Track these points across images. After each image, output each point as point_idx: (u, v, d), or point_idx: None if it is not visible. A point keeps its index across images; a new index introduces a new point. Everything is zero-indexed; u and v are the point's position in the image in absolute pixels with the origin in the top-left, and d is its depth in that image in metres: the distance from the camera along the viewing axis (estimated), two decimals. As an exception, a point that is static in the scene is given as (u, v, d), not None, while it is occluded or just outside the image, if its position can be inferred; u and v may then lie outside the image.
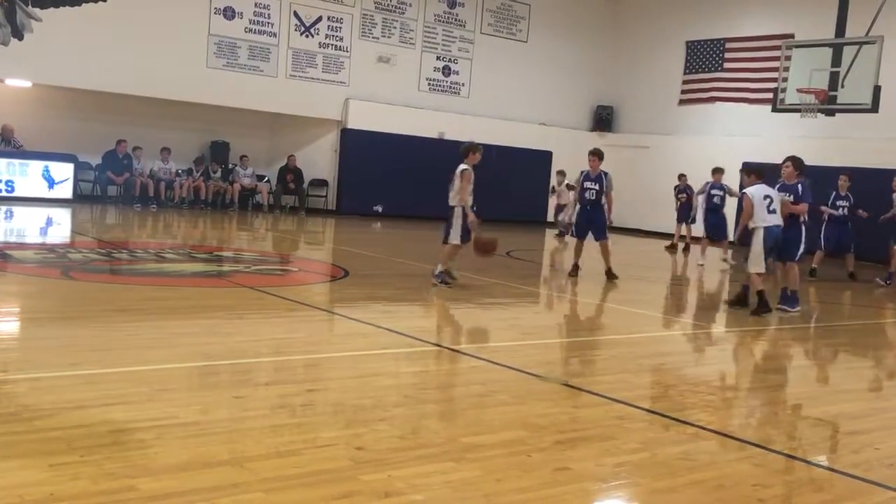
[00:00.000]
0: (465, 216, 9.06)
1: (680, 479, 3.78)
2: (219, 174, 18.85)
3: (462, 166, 9.14)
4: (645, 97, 22.89)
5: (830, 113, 16.60)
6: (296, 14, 19.18)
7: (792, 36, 18.43)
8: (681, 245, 17.75)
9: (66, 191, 16.77)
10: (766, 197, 9.04)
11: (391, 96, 20.26)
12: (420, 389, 5.14)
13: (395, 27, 20.51)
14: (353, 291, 8.98)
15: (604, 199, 11.08)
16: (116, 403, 4.19)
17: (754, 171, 9.48)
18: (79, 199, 17.07)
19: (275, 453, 3.65)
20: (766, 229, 8.99)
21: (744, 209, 9.14)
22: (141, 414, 4.03)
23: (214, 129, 19.36)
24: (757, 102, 19.93)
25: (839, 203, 13.71)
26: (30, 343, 5.76)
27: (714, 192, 15.22)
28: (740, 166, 18.29)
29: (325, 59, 19.60)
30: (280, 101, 18.96)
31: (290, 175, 19.54)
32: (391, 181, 19.84)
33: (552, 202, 20.17)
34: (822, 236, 13.68)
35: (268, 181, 19.79)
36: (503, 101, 21.85)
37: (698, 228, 18.14)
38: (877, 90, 15.26)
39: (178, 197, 18.14)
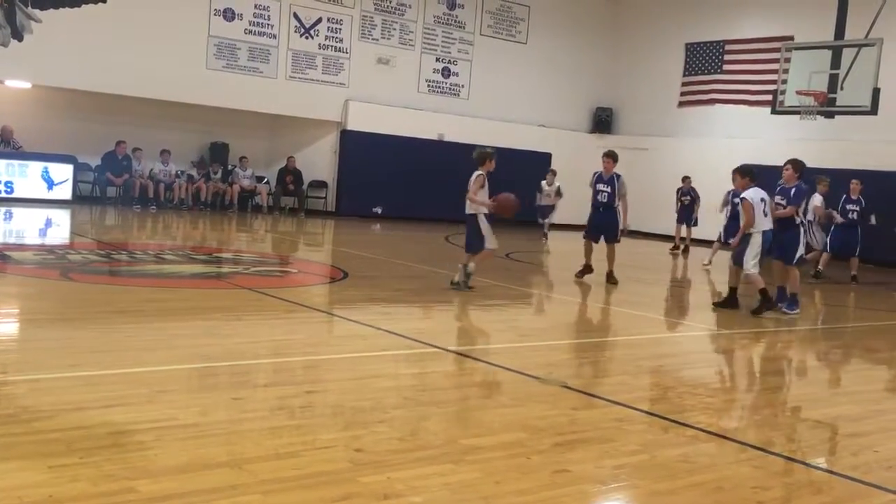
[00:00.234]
0: (486, 220, 8.96)
1: (679, 482, 3.78)
2: (219, 175, 18.85)
3: (477, 172, 9.00)
4: (644, 99, 22.90)
5: (830, 115, 16.62)
6: (295, 15, 19.18)
7: (791, 38, 18.46)
8: (682, 246, 17.75)
9: (65, 192, 16.77)
10: (761, 200, 9.11)
11: (391, 98, 20.27)
12: (419, 391, 5.14)
13: (394, 29, 20.52)
14: (353, 293, 8.98)
15: (617, 203, 10.88)
16: (115, 405, 4.19)
17: (748, 173, 9.44)
18: (78, 200, 17.07)
19: (274, 455, 3.64)
20: (763, 233, 9.05)
21: (745, 213, 9.08)
22: (140, 416, 4.03)
23: (214, 130, 19.36)
24: (756, 104, 19.94)
25: (849, 207, 13.71)
26: (29, 344, 5.75)
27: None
28: (733, 169, 18.38)
29: (324, 60, 19.60)
30: (280, 102, 18.96)
31: (290, 176, 19.54)
32: (391, 183, 19.85)
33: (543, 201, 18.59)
34: (828, 238, 13.72)
35: (267, 182, 19.79)
36: (502, 102, 21.86)
37: (700, 231, 18.23)
38: (876, 92, 15.28)
39: (178, 198, 18.14)
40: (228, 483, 3.28)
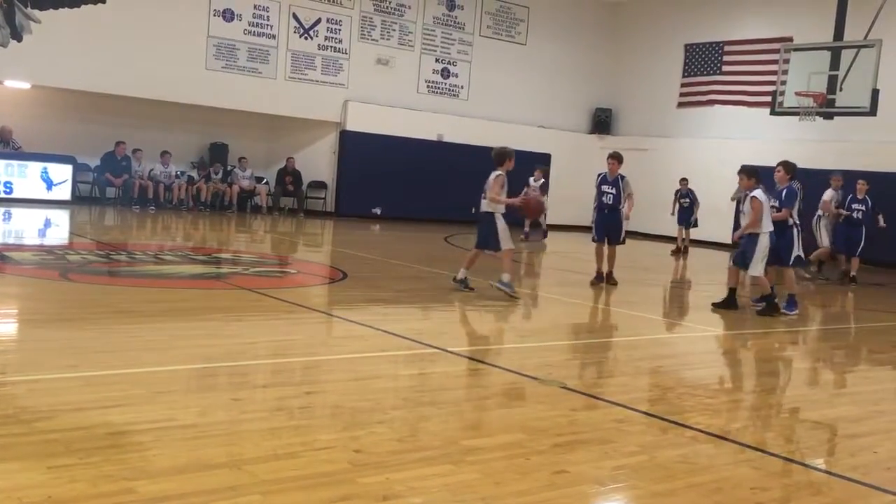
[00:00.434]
0: (503, 220, 8.91)
1: (678, 482, 3.78)
2: (220, 175, 18.85)
3: (497, 172, 8.93)
4: (644, 100, 22.91)
5: (829, 116, 16.63)
6: (295, 16, 19.19)
7: (790, 39, 18.47)
8: (682, 247, 17.75)
9: (64, 192, 16.77)
10: (769, 199, 9.22)
11: (390, 98, 20.28)
12: (418, 392, 5.14)
13: (394, 29, 20.52)
14: (352, 294, 8.98)
15: (623, 204, 10.83)
16: (115, 406, 4.19)
17: (754, 174, 9.45)
18: (77, 200, 17.07)
19: (273, 456, 3.64)
20: (770, 234, 9.12)
21: (753, 212, 9.06)
22: (139, 416, 4.03)
23: (213, 130, 19.36)
24: (755, 105, 19.95)
25: (855, 206, 13.73)
26: (28, 345, 5.75)
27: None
28: (738, 169, 18.39)
29: (324, 61, 19.61)
30: (279, 102, 18.97)
31: (289, 177, 19.54)
32: (390, 183, 19.85)
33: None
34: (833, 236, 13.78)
35: (266, 183, 19.79)
36: (502, 103, 21.87)
37: (699, 232, 18.24)
38: (875, 93, 15.30)
39: (177, 199, 18.13)
40: (228, 484, 3.28)
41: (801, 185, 14.21)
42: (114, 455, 3.49)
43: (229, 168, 19.20)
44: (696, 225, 17.82)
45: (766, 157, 16.72)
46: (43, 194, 16.52)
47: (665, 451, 4.20)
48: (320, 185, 20.27)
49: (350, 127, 19.88)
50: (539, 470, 3.76)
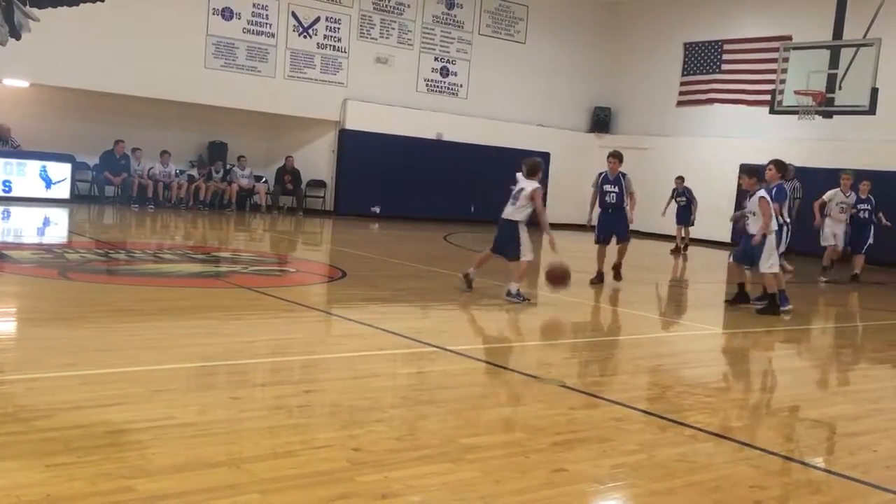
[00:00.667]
0: (527, 230, 8.80)
1: (677, 481, 3.78)
2: (220, 174, 18.85)
3: (534, 184, 8.76)
4: (643, 99, 22.91)
5: (828, 115, 16.63)
6: (294, 15, 19.18)
7: (790, 38, 18.47)
8: (681, 246, 17.74)
9: (63, 191, 16.76)
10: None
11: (389, 97, 20.27)
12: (417, 390, 5.14)
13: (393, 28, 20.51)
14: (351, 292, 8.98)
15: (626, 202, 10.79)
16: (113, 404, 4.18)
17: (755, 173, 9.52)
18: (76, 199, 17.06)
19: (272, 454, 3.64)
20: (776, 232, 9.23)
21: (765, 213, 9.07)
22: (138, 415, 4.03)
23: (212, 129, 19.35)
24: (755, 104, 19.96)
25: (860, 206, 13.72)
26: (27, 343, 5.75)
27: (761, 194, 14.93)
28: (738, 168, 18.39)
29: (323, 59, 19.60)
30: (278, 101, 18.96)
31: (288, 176, 19.54)
32: (389, 182, 19.85)
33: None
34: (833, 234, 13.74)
35: (265, 182, 19.78)
36: (501, 102, 21.86)
37: (697, 230, 18.23)
38: (874, 92, 15.29)
39: (176, 197, 18.13)
40: (226, 482, 3.28)
41: (800, 184, 14.26)
42: (112, 453, 3.49)
43: (228, 167, 19.19)
44: (693, 224, 17.79)
45: (766, 156, 16.59)
46: (42, 193, 16.51)
47: (664, 450, 4.20)
48: (319, 184, 20.27)
49: (349, 126, 19.87)
50: (538, 468, 3.76)
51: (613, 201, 10.81)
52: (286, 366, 5.55)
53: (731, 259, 9.77)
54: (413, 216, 19.76)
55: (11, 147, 16.52)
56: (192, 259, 10.58)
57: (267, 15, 18.79)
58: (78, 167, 17.26)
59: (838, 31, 16.47)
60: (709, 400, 5.49)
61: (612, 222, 10.86)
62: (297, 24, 19.22)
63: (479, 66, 21.80)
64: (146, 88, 17.04)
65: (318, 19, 19.47)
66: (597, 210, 10.98)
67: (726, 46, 21.23)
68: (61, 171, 16.73)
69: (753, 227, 9.25)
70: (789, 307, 9.46)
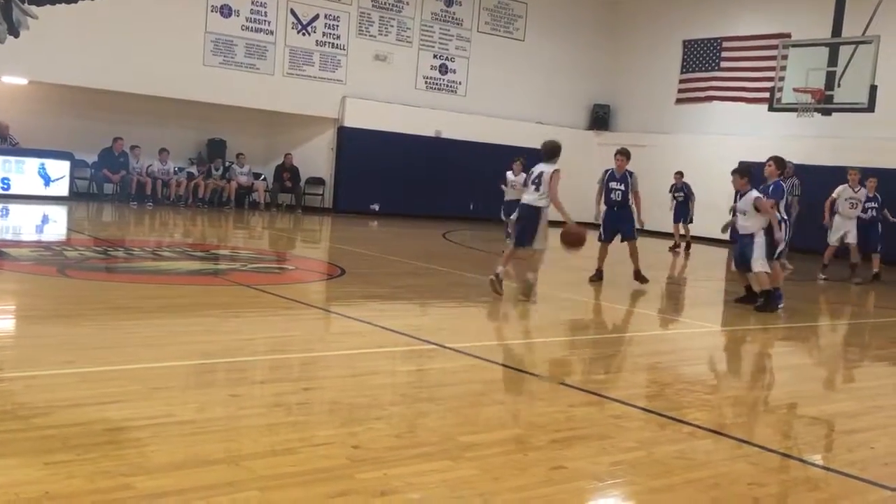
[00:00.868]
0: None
1: (676, 478, 3.78)
2: (220, 171, 18.84)
3: (554, 166, 8.58)
4: (642, 96, 22.90)
5: (827, 112, 16.62)
6: (293, 12, 19.16)
7: (789, 35, 18.46)
8: (682, 244, 17.72)
9: (62, 188, 16.75)
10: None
11: (388, 94, 20.26)
12: (416, 388, 5.14)
13: (392, 25, 20.50)
14: (350, 290, 8.98)
15: (631, 200, 10.71)
16: (112, 402, 4.18)
17: (747, 173, 9.55)
18: (75, 196, 17.04)
19: (271, 452, 3.64)
20: (766, 230, 9.22)
21: (766, 211, 9.13)
22: (137, 412, 4.03)
23: (211, 126, 19.33)
24: (754, 102, 19.95)
25: (867, 205, 13.65)
26: (25, 341, 5.75)
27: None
28: (737, 165, 18.38)
29: (321, 57, 19.58)
30: (277, 99, 18.95)
31: (287, 173, 19.53)
32: (388, 179, 19.85)
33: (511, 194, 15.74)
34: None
35: (264, 179, 19.77)
36: (500, 99, 21.85)
37: (695, 228, 18.23)
38: (873, 90, 15.29)
39: (175, 195, 18.12)
40: (226, 480, 3.28)
41: (799, 182, 14.24)
42: (111, 451, 3.49)
43: (227, 164, 19.18)
44: (692, 221, 17.76)
45: (765, 154, 16.55)
46: (40, 190, 16.49)
47: (663, 447, 4.20)
48: (318, 182, 20.26)
49: (348, 123, 19.86)
50: (537, 466, 3.76)
51: (619, 199, 10.70)
52: (285, 363, 5.55)
53: (734, 268, 9.80)
54: (412, 214, 19.76)
55: (10, 144, 16.51)
56: (191, 256, 10.58)
57: (266, 12, 18.78)
58: (76, 165, 17.24)
59: (837, 29, 16.47)
60: (708, 397, 5.49)
61: (617, 220, 10.77)
62: (295, 22, 19.20)
63: (478, 63, 21.79)
64: (145, 86, 17.03)
65: (316, 16, 19.46)
66: (602, 207, 10.89)
67: (725, 44, 21.22)
68: (60, 169, 16.72)
69: (745, 225, 9.29)
70: (781, 304, 9.47)
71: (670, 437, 4.42)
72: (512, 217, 15.35)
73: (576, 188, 21.17)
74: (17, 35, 8.81)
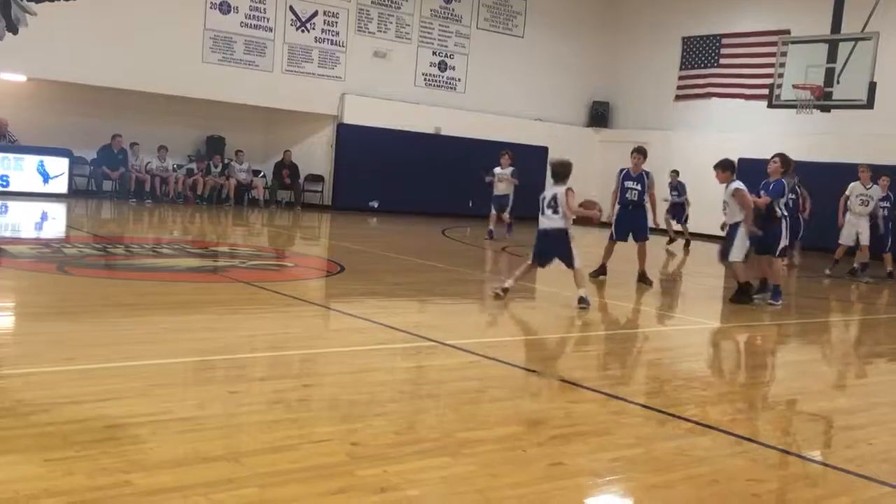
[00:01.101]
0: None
1: (675, 474, 3.79)
2: (219, 168, 18.83)
3: (566, 186, 8.51)
4: (641, 93, 22.90)
5: (826, 109, 16.64)
6: (291, 9, 19.14)
7: (788, 32, 18.45)
8: (678, 240, 17.70)
9: (61, 185, 16.74)
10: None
11: (387, 91, 20.24)
12: (416, 385, 5.14)
13: (391, 22, 20.48)
14: (349, 287, 8.98)
15: (646, 199, 10.61)
16: (111, 398, 4.19)
17: (729, 167, 9.58)
18: (74, 194, 17.04)
19: (270, 448, 3.64)
20: (777, 225, 9.38)
21: (746, 204, 9.19)
22: (136, 409, 4.03)
23: (210, 123, 19.33)
24: (753, 98, 19.95)
25: (881, 203, 13.58)
26: (24, 338, 5.75)
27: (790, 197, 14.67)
28: (737, 162, 18.37)
29: (320, 53, 19.57)
30: (276, 95, 18.93)
31: (286, 170, 19.52)
32: (387, 177, 19.84)
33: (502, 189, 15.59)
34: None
35: (263, 176, 19.77)
36: (499, 96, 21.85)
37: (696, 225, 18.23)
38: (872, 86, 15.28)
39: (174, 192, 18.11)
40: (225, 476, 3.28)
41: (798, 179, 14.23)
42: (111, 448, 3.49)
43: (226, 161, 19.18)
44: (687, 220, 17.69)
45: (764, 150, 16.65)
46: (39, 187, 16.48)
47: (662, 444, 4.21)
48: (317, 179, 20.25)
49: (347, 120, 19.85)
50: (536, 462, 3.76)
51: (635, 199, 10.56)
52: (285, 360, 5.55)
53: (719, 259, 9.93)
54: (411, 210, 19.76)
55: (9, 142, 16.49)
56: (190, 254, 10.58)
57: (265, 9, 18.76)
58: (75, 162, 17.24)
59: (836, 25, 16.47)
60: (707, 394, 5.50)
61: (632, 221, 10.64)
62: (294, 19, 19.19)
63: (478, 60, 21.78)
64: (144, 83, 17.01)
65: (315, 13, 19.44)
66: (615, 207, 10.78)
67: (724, 40, 21.21)
68: (59, 166, 16.71)
69: (729, 217, 9.39)
70: (780, 302, 9.50)
71: (669, 434, 4.42)
72: (501, 211, 15.50)
73: (575, 186, 21.06)
74: (15, 32, 8.78)
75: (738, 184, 9.32)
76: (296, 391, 4.67)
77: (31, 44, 14.63)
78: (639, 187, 10.57)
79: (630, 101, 23.28)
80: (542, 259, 8.59)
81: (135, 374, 4.70)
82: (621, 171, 10.82)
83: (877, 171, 13.91)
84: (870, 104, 15.44)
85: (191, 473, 3.28)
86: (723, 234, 9.85)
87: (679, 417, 4.68)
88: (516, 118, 21.73)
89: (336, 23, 19.71)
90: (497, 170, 15.46)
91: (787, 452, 4.33)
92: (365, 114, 19.80)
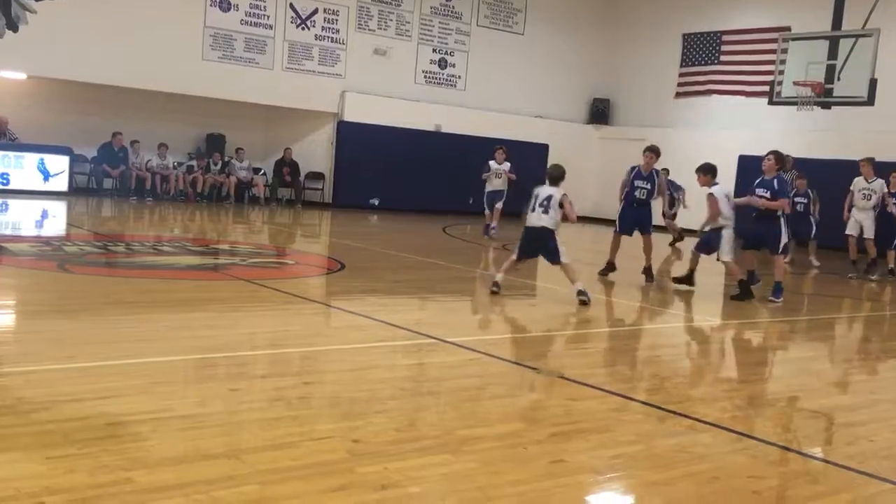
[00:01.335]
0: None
1: (675, 471, 3.79)
2: (219, 166, 18.82)
3: (561, 190, 8.57)
4: (641, 90, 22.87)
5: (827, 106, 16.63)
6: (292, 6, 19.12)
7: (788, 28, 18.43)
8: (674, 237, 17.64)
9: (61, 183, 16.73)
10: (726, 196, 9.61)
11: (387, 89, 20.23)
12: (416, 382, 5.14)
13: (391, 19, 20.46)
14: (350, 284, 8.98)
15: (654, 198, 10.71)
16: (112, 396, 4.19)
17: (710, 171, 9.72)
18: (74, 192, 17.03)
19: (271, 446, 3.65)
20: (776, 222, 9.45)
21: (711, 208, 9.51)
22: (137, 407, 4.03)
23: (210, 121, 19.31)
24: (753, 95, 19.93)
25: (894, 201, 13.52)
26: (25, 336, 5.75)
27: (798, 199, 14.20)
28: (737, 159, 18.40)
29: (321, 51, 19.55)
30: (276, 93, 18.91)
31: (287, 168, 19.51)
32: (388, 174, 19.83)
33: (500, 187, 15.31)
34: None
35: (264, 174, 19.76)
36: (500, 93, 21.83)
37: (695, 222, 18.20)
38: (873, 83, 15.29)
39: (174, 190, 18.12)
40: (226, 474, 3.28)
41: (797, 174, 14.21)
42: (112, 445, 3.49)
43: (226, 159, 19.17)
44: (675, 217, 17.60)
45: (764, 147, 16.54)
46: (40, 185, 16.47)
47: (662, 441, 4.21)
48: (318, 176, 20.24)
49: (347, 117, 19.84)
50: (536, 459, 3.77)
51: (643, 197, 10.59)
52: (285, 357, 5.55)
53: (694, 248, 10.24)
54: (411, 208, 19.75)
55: (9, 140, 16.49)
56: (191, 251, 10.58)
57: (265, 6, 18.74)
58: (76, 160, 17.23)
59: (837, 22, 16.46)
60: (707, 390, 5.50)
61: (637, 215, 10.67)
62: (294, 16, 19.17)
63: (478, 57, 21.76)
64: (144, 81, 16.99)
65: (315, 11, 19.42)
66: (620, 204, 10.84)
67: (725, 37, 21.18)
68: (59, 164, 16.71)
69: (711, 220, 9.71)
70: (781, 300, 9.55)
71: (670, 431, 4.42)
72: (493, 208, 15.33)
73: (575, 183, 21.04)
74: (15, 30, 8.77)
75: (715, 189, 9.52)
76: (296, 388, 4.67)
77: (32, 42, 14.62)
78: (648, 186, 10.60)
79: (630, 98, 23.26)
80: (527, 256, 8.72)
81: (135, 371, 4.70)
82: (632, 168, 10.80)
83: (877, 168, 13.88)
84: (870, 101, 15.44)
85: (191, 471, 3.29)
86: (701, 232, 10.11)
87: (679, 414, 4.68)
88: (517, 115, 21.71)
89: (336, 20, 19.69)
90: (493, 164, 15.22)
91: (788, 449, 4.33)
92: (365, 111, 19.79)
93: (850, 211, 13.41)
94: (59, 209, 14.91)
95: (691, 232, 18.14)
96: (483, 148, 20.19)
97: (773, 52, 17.83)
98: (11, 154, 16.30)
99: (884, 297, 12.03)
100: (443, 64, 21.40)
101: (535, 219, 8.54)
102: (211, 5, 18.06)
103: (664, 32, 22.30)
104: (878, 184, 13.30)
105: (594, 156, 22.59)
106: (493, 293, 8.38)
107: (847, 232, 13.37)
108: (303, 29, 19.28)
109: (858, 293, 12.00)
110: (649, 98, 22.61)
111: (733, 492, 3.62)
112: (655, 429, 4.45)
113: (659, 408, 4.81)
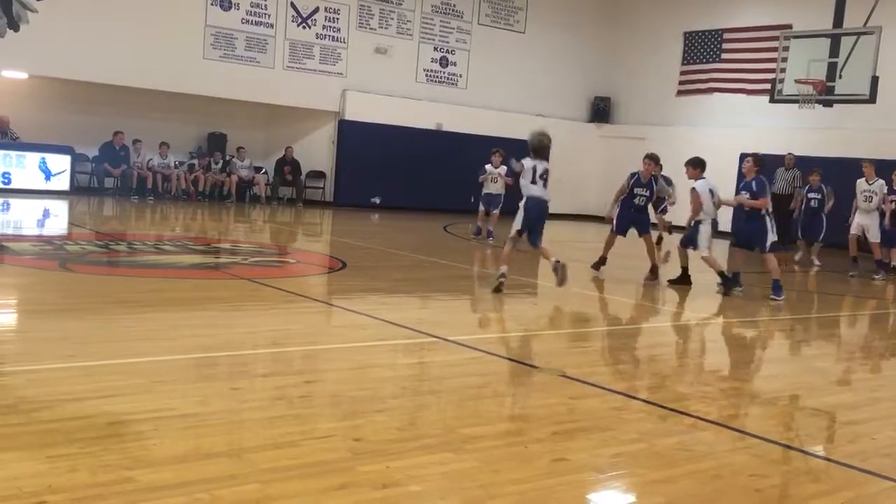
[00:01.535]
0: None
1: (677, 470, 3.79)
2: (220, 165, 18.82)
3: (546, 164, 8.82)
4: (643, 88, 22.85)
5: (828, 104, 16.61)
6: (293, 5, 19.11)
7: (790, 26, 18.42)
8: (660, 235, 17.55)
9: (62, 183, 16.74)
10: (710, 191, 9.85)
11: (389, 87, 20.22)
12: (418, 381, 5.14)
13: (392, 18, 20.45)
14: (351, 283, 8.98)
15: (653, 199, 10.90)
16: (114, 395, 4.19)
17: (699, 165, 9.99)
18: (76, 191, 17.04)
19: (272, 444, 3.65)
20: (713, 221, 9.94)
21: (693, 202, 9.80)
22: (138, 406, 4.03)
23: (211, 120, 19.31)
24: (755, 93, 19.91)
25: (891, 197, 13.48)
26: (27, 335, 5.75)
27: (811, 195, 14.47)
28: (739, 157, 18.37)
29: (322, 50, 19.54)
30: (277, 92, 18.91)
31: (288, 167, 19.51)
32: (389, 173, 19.82)
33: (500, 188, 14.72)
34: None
35: (265, 173, 19.76)
36: (501, 92, 21.81)
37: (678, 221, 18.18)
38: (874, 81, 15.27)
39: (176, 189, 18.12)
40: (227, 472, 3.28)
41: (800, 173, 14.20)
42: (113, 444, 3.50)
43: (228, 158, 19.18)
44: (666, 211, 17.53)
45: (766, 145, 16.72)
46: (41, 185, 16.48)
47: (664, 439, 4.21)
48: (319, 175, 20.24)
49: (348, 116, 19.83)
50: (538, 458, 3.76)
51: (642, 204, 10.76)
52: (286, 356, 5.55)
53: (680, 244, 10.44)
54: (413, 207, 19.75)
55: (11, 139, 16.50)
56: (192, 250, 10.58)
57: (266, 5, 18.73)
58: (77, 159, 17.24)
59: (839, 20, 16.45)
60: (708, 389, 5.50)
61: (635, 219, 10.82)
62: (295, 15, 19.16)
63: (479, 56, 21.74)
64: (145, 80, 16.99)
65: (316, 9, 19.41)
66: (616, 207, 10.94)
67: (726, 35, 21.16)
68: (61, 163, 16.71)
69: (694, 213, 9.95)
70: (783, 297, 9.58)
71: (671, 429, 4.42)
72: (491, 211, 15.12)
73: (576, 181, 21.20)
74: (17, 29, 8.77)
75: (698, 183, 9.82)
76: (298, 387, 4.68)
77: (33, 41, 14.63)
78: (647, 193, 10.79)
79: (632, 96, 23.24)
80: (531, 227, 8.68)
81: (137, 370, 4.70)
82: (632, 175, 10.90)
83: (879, 166, 13.85)
84: (872, 99, 15.43)
85: (193, 470, 3.29)
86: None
87: (681, 413, 4.68)
88: (518, 114, 21.64)
89: (337, 19, 19.68)
90: (489, 167, 15.00)
91: (790, 447, 4.32)
92: (366, 110, 19.78)
93: (855, 214, 13.41)
94: (60, 208, 14.92)
95: (680, 229, 18.16)
96: (484, 147, 20.20)
97: (774, 49, 17.81)
98: (13, 153, 16.31)
99: (888, 295, 12.02)
100: (444, 63, 21.39)
101: (540, 191, 8.68)
102: (212, 4, 18.05)
103: (665, 30, 22.28)
104: (879, 185, 13.32)
105: (595, 154, 22.57)
106: (500, 286, 8.41)
107: (852, 232, 13.38)
108: (304, 28, 19.28)
109: (859, 291, 11.99)
110: (650, 96, 22.59)
111: (735, 490, 3.62)
112: (657, 427, 4.44)
113: (660, 406, 4.81)
